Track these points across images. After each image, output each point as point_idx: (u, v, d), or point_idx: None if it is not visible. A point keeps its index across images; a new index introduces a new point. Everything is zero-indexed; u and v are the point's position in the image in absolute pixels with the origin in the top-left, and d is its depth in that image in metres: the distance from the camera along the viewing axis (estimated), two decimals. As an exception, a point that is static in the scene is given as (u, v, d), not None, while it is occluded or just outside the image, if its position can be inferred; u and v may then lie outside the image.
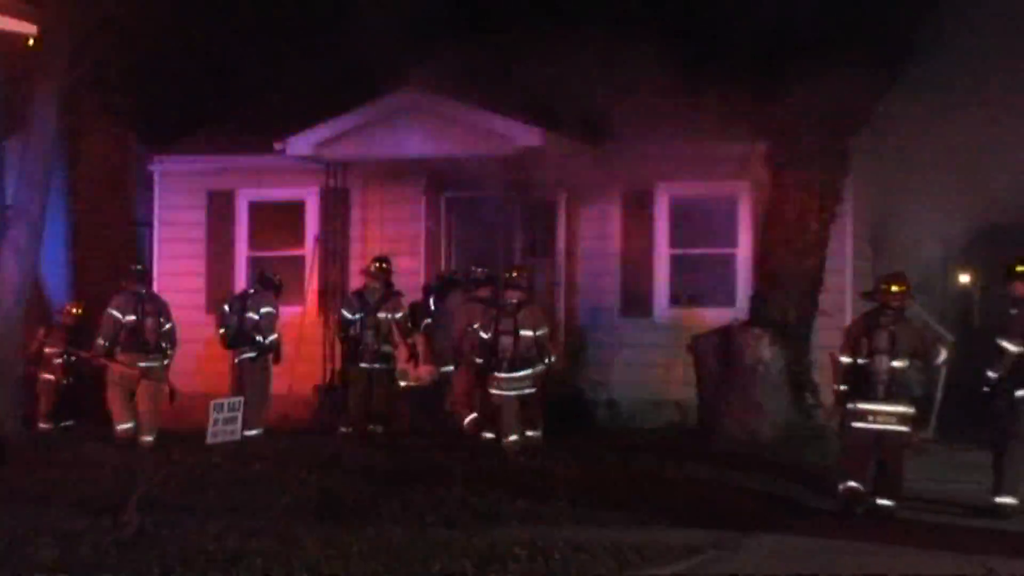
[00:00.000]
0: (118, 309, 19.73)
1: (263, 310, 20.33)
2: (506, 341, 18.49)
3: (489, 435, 18.77)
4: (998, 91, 18.05)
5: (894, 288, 15.00)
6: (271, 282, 20.76)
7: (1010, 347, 14.80)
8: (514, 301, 18.77)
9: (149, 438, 19.49)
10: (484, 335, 18.70)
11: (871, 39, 18.23)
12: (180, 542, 12.60)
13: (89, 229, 25.02)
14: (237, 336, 20.42)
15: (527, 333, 18.57)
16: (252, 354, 20.26)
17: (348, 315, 20.42)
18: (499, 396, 18.52)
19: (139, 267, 21.06)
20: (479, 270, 20.27)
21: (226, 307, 20.88)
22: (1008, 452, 14.77)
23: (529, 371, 18.53)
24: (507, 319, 18.63)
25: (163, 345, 20.10)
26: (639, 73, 19.59)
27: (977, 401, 15.30)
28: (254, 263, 22.65)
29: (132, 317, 19.76)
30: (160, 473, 16.30)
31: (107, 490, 15.40)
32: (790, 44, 18.30)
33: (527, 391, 18.59)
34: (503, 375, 18.49)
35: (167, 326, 20.20)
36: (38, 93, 19.84)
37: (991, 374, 14.94)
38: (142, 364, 19.74)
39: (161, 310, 20.20)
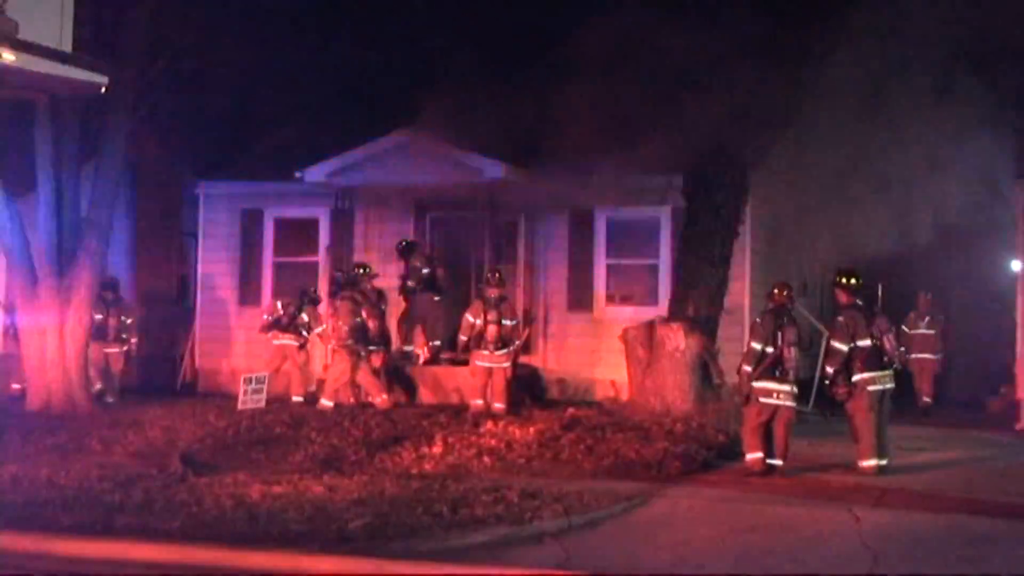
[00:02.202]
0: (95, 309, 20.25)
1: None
2: (493, 328, 18.81)
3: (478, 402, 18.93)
4: (865, 139, 18.01)
5: (784, 292, 15.15)
6: (310, 296, 20.92)
7: (841, 347, 14.84)
8: (495, 295, 19.06)
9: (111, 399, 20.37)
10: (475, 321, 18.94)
11: (766, 100, 18.15)
12: (214, 488, 12.47)
13: (147, 238, 24.87)
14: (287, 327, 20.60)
15: (507, 322, 18.98)
16: (296, 343, 20.44)
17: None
18: (488, 368, 18.92)
19: (109, 278, 21.01)
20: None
21: (278, 304, 20.90)
22: (858, 424, 14.76)
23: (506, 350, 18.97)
24: (492, 311, 18.90)
25: (123, 336, 20.97)
26: (583, 120, 19.53)
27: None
28: (277, 267, 22.50)
29: (100, 316, 20.36)
30: (199, 433, 16.17)
31: (156, 445, 15.26)
32: (702, 100, 18.18)
33: (505, 365, 18.95)
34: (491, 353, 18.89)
35: (128, 321, 21.06)
36: (108, 129, 19.75)
37: (829, 369, 15.03)
38: (107, 350, 20.63)
39: (123, 310, 21.07)
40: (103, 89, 13.81)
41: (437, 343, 20.76)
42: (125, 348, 21.19)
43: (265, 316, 20.99)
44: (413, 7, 22.59)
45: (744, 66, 17.75)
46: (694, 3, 17.58)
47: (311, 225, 22.71)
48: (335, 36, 23.11)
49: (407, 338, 21.11)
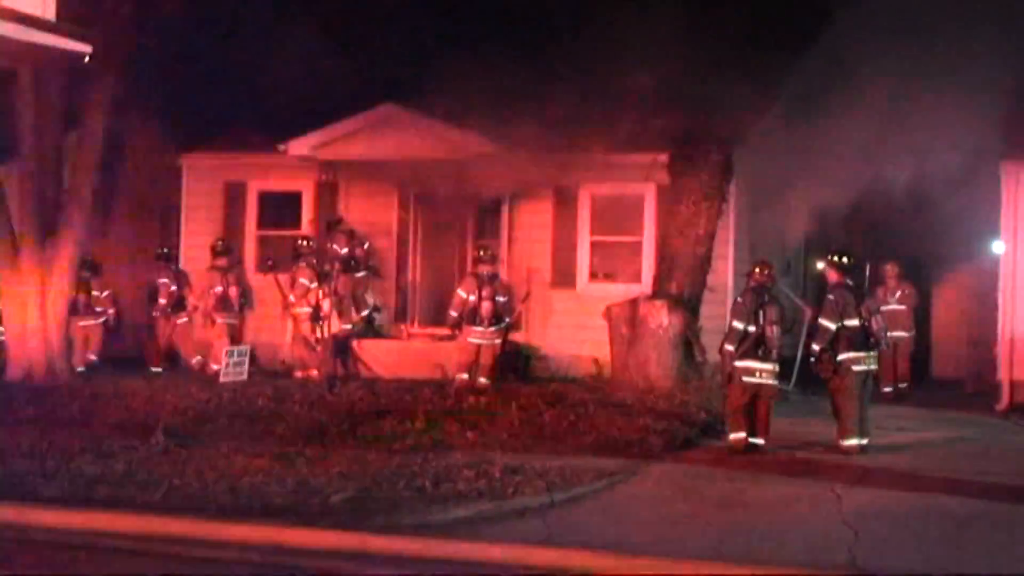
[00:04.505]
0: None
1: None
2: (487, 304, 18.92)
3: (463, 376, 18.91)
4: (849, 118, 18.01)
5: (765, 270, 15.13)
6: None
7: (829, 325, 14.80)
8: (487, 272, 19.21)
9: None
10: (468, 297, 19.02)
11: (749, 81, 18.10)
12: (197, 461, 12.45)
13: (129, 209, 24.74)
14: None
15: (500, 299, 19.11)
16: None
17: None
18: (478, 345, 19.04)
19: (88, 258, 20.94)
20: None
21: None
22: (840, 403, 14.78)
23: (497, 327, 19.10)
24: (486, 287, 19.02)
25: (98, 310, 21.11)
26: (569, 97, 19.49)
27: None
28: (261, 240, 22.46)
29: (73, 292, 20.33)
30: (181, 405, 16.14)
31: (138, 417, 15.22)
32: (686, 78, 18.14)
33: (497, 342, 19.11)
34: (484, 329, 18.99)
35: (103, 295, 21.27)
36: (92, 100, 19.64)
37: (815, 347, 15.00)
38: (81, 324, 20.72)
39: (98, 286, 21.24)
40: (86, 59, 13.73)
41: (358, 317, 20.91)
42: (102, 320, 21.19)
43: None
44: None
45: (730, 46, 17.75)
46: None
47: (295, 198, 22.65)
48: (321, 8, 22.99)
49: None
